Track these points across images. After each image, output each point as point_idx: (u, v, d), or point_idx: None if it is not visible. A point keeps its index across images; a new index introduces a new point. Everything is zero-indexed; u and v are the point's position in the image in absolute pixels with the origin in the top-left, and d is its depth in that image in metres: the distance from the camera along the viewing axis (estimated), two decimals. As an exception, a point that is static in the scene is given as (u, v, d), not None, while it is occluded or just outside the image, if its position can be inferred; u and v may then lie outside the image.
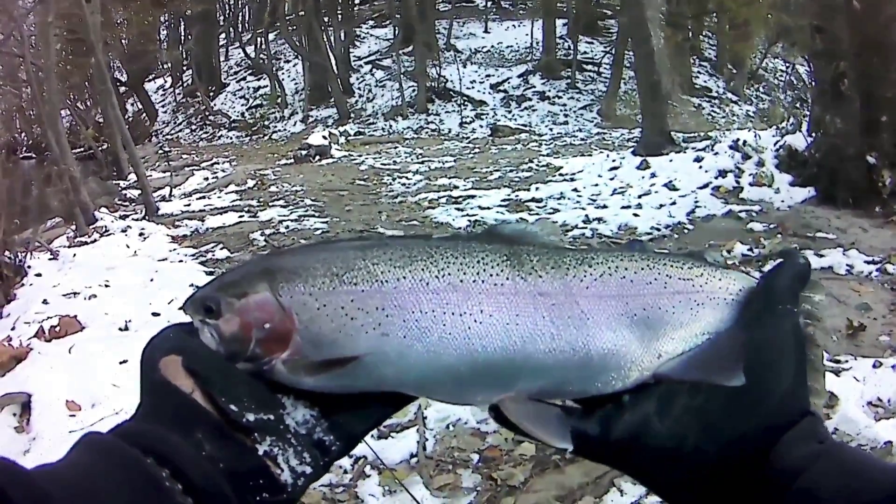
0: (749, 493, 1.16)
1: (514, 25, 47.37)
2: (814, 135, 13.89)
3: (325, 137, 28.51)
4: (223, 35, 52.96)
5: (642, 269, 1.38)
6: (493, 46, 45.73)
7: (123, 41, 40.62)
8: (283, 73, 46.87)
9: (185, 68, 49.29)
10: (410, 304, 1.28)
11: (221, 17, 53.46)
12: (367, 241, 1.43)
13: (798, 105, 16.11)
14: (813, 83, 14.87)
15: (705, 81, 41.28)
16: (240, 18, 56.39)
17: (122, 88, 43.25)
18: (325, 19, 42.71)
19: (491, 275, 1.32)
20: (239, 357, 1.28)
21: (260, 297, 1.29)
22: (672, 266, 1.40)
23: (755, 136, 15.62)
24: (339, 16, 46.52)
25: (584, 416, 1.30)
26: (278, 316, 1.28)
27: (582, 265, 1.36)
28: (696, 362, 1.30)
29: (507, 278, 1.32)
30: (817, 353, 1.32)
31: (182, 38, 51.35)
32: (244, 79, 49.15)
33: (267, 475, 1.15)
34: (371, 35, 49.48)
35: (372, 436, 6.85)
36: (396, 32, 43.71)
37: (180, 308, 1.36)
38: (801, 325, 1.29)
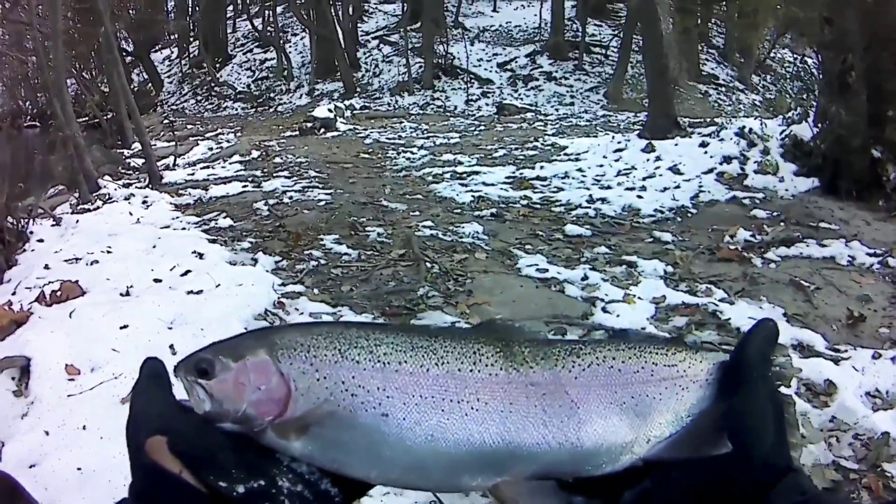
0: None
1: (522, 5, 47.33)
2: (819, 125, 13.88)
3: (330, 111, 28.46)
4: (231, 7, 52.85)
5: (629, 358, 1.42)
6: (501, 25, 45.69)
7: (131, 11, 40.59)
8: (290, 46, 46.81)
9: (191, 39, 49.21)
10: (412, 388, 1.31)
11: (230, -11, 53.37)
12: (368, 324, 1.47)
13: (805, 95, 16.10)
14: (820, 74, 14.85)
15: (713, 69, 41.30)
16: (248, -10, 56.30)
17: (129, 58, 43.22)
18: (334, -7, 42.63)
19: (486, 365, 1.36)
20: (227, 418, 1.30)
21: (259, 360, 1.32)
22: (657, 354, 1.44)
23: (761, 125, 15.59)
24: (348, -10, 46.43)
25: (589, 494, 1.34)
26: (275, 380, 1.30)
27: (570, 356, 1.40)
28: (683, 442, 1.35)
29: (501, 369, 1.35)
30: (790, 411, 1.39)
31: (190, 8, 51.30)
32: (251, 51, 49.07)
33: None
34: (379, 10, 49.43)
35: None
36: (405, 8, 43.62)
37: (174, 370, 1.36)
38: (776, 388, 1.38)
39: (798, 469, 1.29)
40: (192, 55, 48.67)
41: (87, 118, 25.07)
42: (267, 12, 47.94)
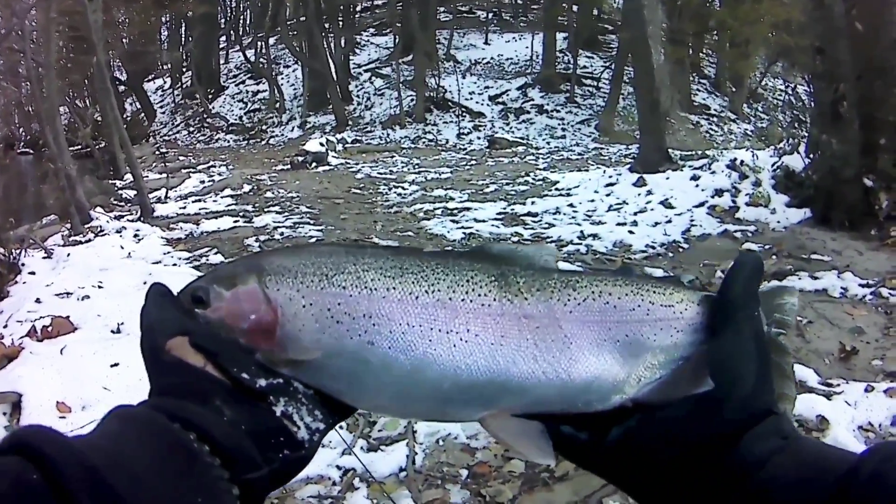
0: (716, 488, 1.21)
1: (514, 38, 47.49)
2: (811, 156, 13.92)
3: (322, 144, 28.38)
4: (224, 38, 53.01)
5: (626, 294, 1.38)
6: (492, 58, 45.83)
7: (124, 40, 40.65)
8: (282, 79, 46.92)
9: (184, 70, 49.33)
10: (399, 316, 1.28)
11: (223, 20, 53.53)
12: (359, 248, 1.44)
13: (796, 125, 16.07)
14: (812, 104, 14.89)
15: (704, 99, 41.42)
16: (241, 22, 56.43)
17: (122, 88, 43.29)
18: (326, 25, 42.75)
19: (479, 294, 1.32)
20: None
21: (248, 288, 1.30)
22: (655, 293, 1.40)
23: (752, 156, 15.66)
24: (340, 22, 46.54)
25: (576, 427, 1.33)
26: (263, 308, 1.28)
27: (566, 289, 1.36)
28: (671, 384, 1.32)
29: (495, 299, 1.32)
30: (787, 361, 1.39)
31: (183, 39, 51.48)
32: (243, 82, 49.19)
33: (285, 433, 1.21)
34: (371, 43, 49.57)
35: (361, 448, 6.86)
36: (397, 41, 43.75)
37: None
38: (761, 329, 1.33)
39: (781, 413, 1.28)
40: (184, 86, 48.78)
41: (79, 148, 25.00)
42: (259, 44, 48.09)
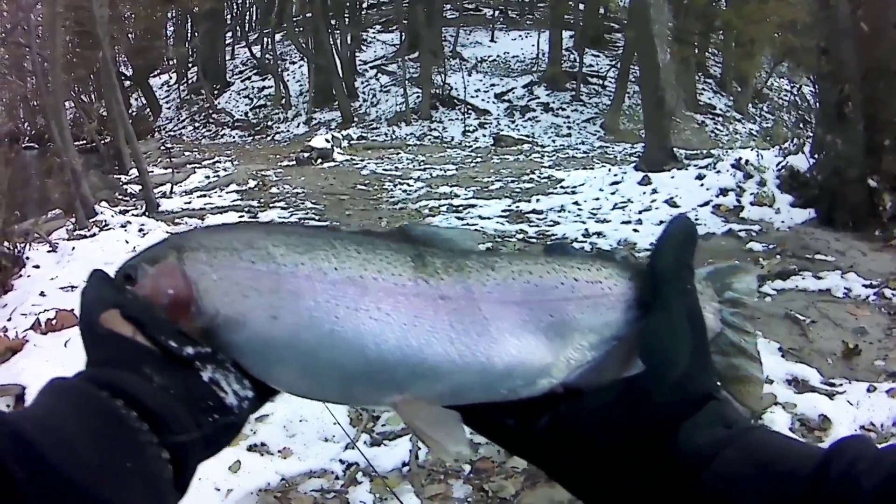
0: (659, 484, 1.13)
1: (520, 36, 47.47)
2: (816, 156, 13.87)
3: (327, 140, 28.50)
4: (230, 34, 53.00)
5: (548, 272, 1.31)
6: (498, 56, 45.82)
7: (130, 36, 40.71)
8: (288, 75, 46.92)
9: (190, 65, 49.35)
10: (304, 292, 1.24)
11: (229, 16, 53.52)
12: (275, 225, 1.52)
13: (801, 126, 16.04)
14: (817, 104, 14.88)
15: (709, 98, 41.47)
16: (247, 18, 56.42)
17: (127, 83, 43.32)
18: (332, 22, 42.74)
19: (392, 274, 1.27)
20: None
21: (168, 263, 1.26)
22: (579, 269, 1.33)
23: (757, 156, 15.60)
24: (346, 19, 46.56)
25: (503, 413, 1.25)
26: (181, 283, 1.25)
27: (485, 269, 1.30)
28: (603, 366, 1.24)
29: (409, 279, 1.26)
30: (750, 340, 1.36)
31: (189, 35, 51.45)
32: (249, 78, 49.19)
33: (214, 398, 1.19)
34: (377, 40, 49.54)
35: (365, 443, 6.86)
36: (403, 38, 43.73)
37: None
38: (696, 304, 1.25)
39: (723, 398, 1.19)
40: (190, 81, 48.80)
41: (84, 142, 25.07)
42: (265, 40, 48.07)
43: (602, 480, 1.19)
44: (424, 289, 1.25)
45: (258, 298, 1.23)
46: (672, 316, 1.21)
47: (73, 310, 9.26)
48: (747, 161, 15.43)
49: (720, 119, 39.50)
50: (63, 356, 7.88)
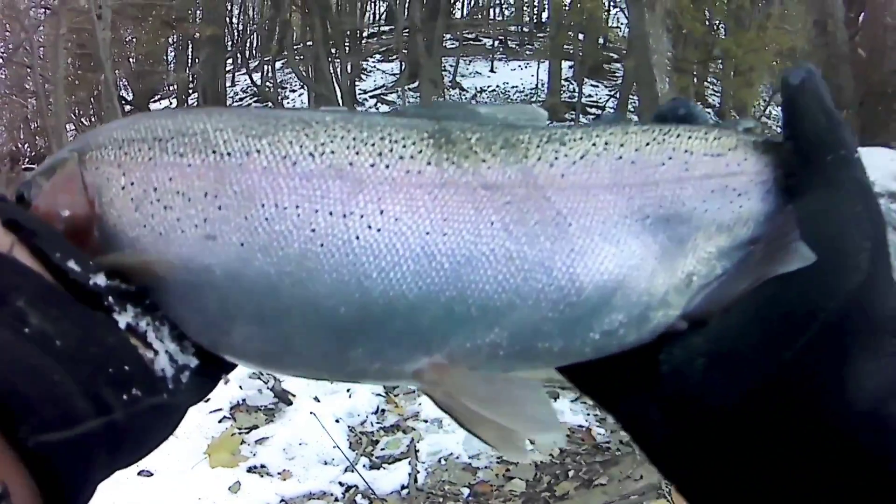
0: (816, 454, 0.76)
1: (520, 66, 47.61)
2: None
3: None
4: (230, 60, 53.12)
5: (647, 144, 0.90)
6: (498, 86, 45.87)
7: (131, 60, 40.83)
8: (288, 103, 46.91)
9: (190, 91, 49.37)
10: (260, 192, 0.84)
11: (230, 43, 53.63)
12: (227, 108, 1.05)
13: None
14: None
15: (709, 128, 41.55)
16: (248, 45, 56.56)
17: (128, 107, 43.35)
18: (333, 51, 42.84)
19: (402, 157, 0.86)
20: None
21: (66, 171, 0.92)
22: (691, 138, 0.92)
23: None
24: (347, 48, 46.64)
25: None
26: (79, 197, 0.90)
27: (551, 143, 0.88)
28: (736, 285, 0.84)
29: (429, 163, 0.86)
30: None
31: (189, 60, 51.55)
32: (249, 105, 49.21)
33: (132, 358, 0.80)
34: (377, 69, 49.64)
35: (364, 466, 6.87)
36: (403, 67, 43.83)
37: None
38: (866, 178, 0.84)
39: None
40: (191, 107, 48.79)
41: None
42: (266, 67, 48.17)
43: (731, 457, 0.80)
44: (456, 176, 0.85)
45: (185, 209, 0.85)
46: (842, 194, 0.83)
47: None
48: (747, 190, 15.51)
49: (720, 149, 39.45)
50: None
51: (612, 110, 39.45)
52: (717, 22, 39.26)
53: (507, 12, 54.48)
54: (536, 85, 43.99)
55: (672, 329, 0.85)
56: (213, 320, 0.85)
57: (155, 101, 50.24)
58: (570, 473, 6.71)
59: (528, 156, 0.86)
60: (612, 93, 41.96)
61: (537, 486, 6.51)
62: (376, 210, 0.83)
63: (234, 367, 0.93)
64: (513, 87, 45.77)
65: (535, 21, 53.02)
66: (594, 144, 0.88)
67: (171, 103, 51.07)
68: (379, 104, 44.48)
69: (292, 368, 0.91)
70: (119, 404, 0.77)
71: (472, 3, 54.69)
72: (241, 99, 50.72)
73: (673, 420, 0.82)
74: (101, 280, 0.82)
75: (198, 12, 46.02)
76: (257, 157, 0.85)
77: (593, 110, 41.53)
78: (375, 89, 46.92)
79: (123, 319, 0.82)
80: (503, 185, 0.84)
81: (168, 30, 42.48)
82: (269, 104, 45.81)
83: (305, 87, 43.84)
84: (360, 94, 45.90)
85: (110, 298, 0.82)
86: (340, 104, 39.61)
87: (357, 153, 0.85)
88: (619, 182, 0.86)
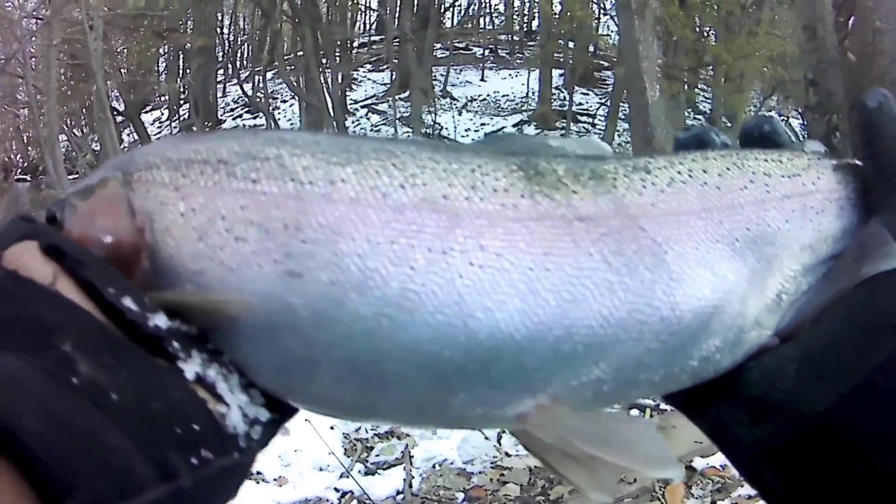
0: None
1: (510, 74, 47.53)
2: (807, 188, 14.04)
3: (319, 179, 28.24)
4: (221, 71, 53.03)
5: (728, 169, 0.92)
6: (489, 95, 45.78)
7: (123, 70, 40.72)
8: (279, 113, 46.78)
9: (182, 102, 49.26)
10: (349, 226, 0.77)
11: (221, 53, 53.53)
12: (294, 131, 1.00)
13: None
14: (805, 136, 15.01)
15: (700, 135, 41.49)
16: (238, 55, 56.47)
17: (119, 118, 43.26)
18: (324, 61, 42.80)
19: (495, 189, 0.81)
20: None
21: (107, 193, 0.82)
22: (769, 161, 0.95)
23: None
24: (338, 58, 46.55)
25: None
26: (124, 222, 0.80)
27: (637, 172, 0.88)
28: (820, 299, 0.87)
29: (523, 195, 0.81)
30: None
31: (181, 71, 51.43)
32: (240, 116, 49.01)
33: (203, 415, 0.71)
34: (368, 79, 49.51)
35: (359, 472, 6.88)
36: (393, 77, 43.78)
37: None
38: None
39: None
40: (182, 118, 48.68)
41: (77, 176, 25.07)
42: (257, 78, 48.08)
43: (821, 462, 0.79)
44: (551, 208, 0.81)
45: (264, 241, 0.76)
46: None
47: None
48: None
49: (710, 156, 39.42)
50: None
51: (602, 118, 39.43)
52: (708, 28, 39.27)
53: (497, 21, 54.45)
54: (527, 93, 43.97)
55: (764, 347, 0.86)
56: (293, 366, 0.77)
57: (146, 112, 50.19)
58: (564, 477, 6.73)
59: (617, 186, 0.85)
60: (603, 100, 41.92)
61: (531, 491, 6.53)
62: (476, 246, 0.77)
63: (296, 412, 0.85)
64: (503, 95, 45.72)
65: (525, 30, 52.97)
66: (679, 172, 0.89)
67: (162, 114, 51.03)
68: (370, 114, 44.44)
69: (384, 417, 0.86)
70: (187, 469, 0.66)
71: (463, 12, 54.57)
72: (231, 109, 50.65)
73: (762, 425, 0.82)
74: (161, 321, 0.72)
75: (189, 23, 45.88)
76: (343, 187, 0.78)
77: (584, 118, 41.56)
78: (366, 99, 46.83)
79: (191, 368, 0.73)
80: (597, 216, 0.82)
81: (159, 40, 42.32)
82: (261, 115, 45.83)
83: (296, 98, 43.80)
84: (350, 104, 45.81)
85: (174, 343, 0.72)
86: (331, 114, 39.61)
87: (450, 185, 0.80)
88: (707, 207, 0.87)
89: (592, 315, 0.77)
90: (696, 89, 44.59)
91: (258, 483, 6.66)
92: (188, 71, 48.65)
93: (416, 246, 0.75)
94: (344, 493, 6.66)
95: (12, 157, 31.47)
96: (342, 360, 0.75)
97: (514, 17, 53.70)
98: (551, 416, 0.78)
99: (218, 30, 50.64)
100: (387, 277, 0.74)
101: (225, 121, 49.06)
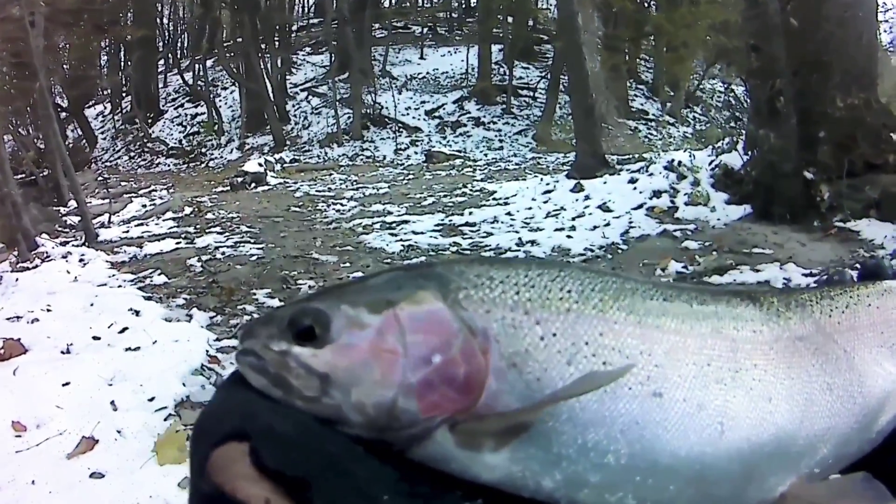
0: None
1: (449, 52, 47.54)
2: (749, 153, 14.22)
3: (260, 165, 28.42)
4: (162, 62, 52.72)
5: (882, 294, 1.18)
6: (428, 73, 45.86)
7: (65, 66, 40.39)
8: (220, 101, 46.65)
9: (124, 94, 48.94)
10: (681, 353, 0.91)
11: (161, 44, 53.22)
12: (540, 262, 1.01)
13: (734, 124, 16.23)
14: (748, 102, 15.12)
15: (642, 104, 41.89)
16: (178, 45, 56.16)
17: (63, 114, 42.95)
18: (263, 46, 42.64)
19: (746, 320, 1.00)
20: (352, 417, 0.80)
21: (424, 308, 0.84)
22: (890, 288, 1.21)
23: (690, 157, 16.00)
24: (277, 43, 46.41)
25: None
26: (459, 341, 0.82)
27: (824, 300, 1.11)
28: None
29: (762, 324, 1.01)
30: None
31: (122, 64, 51.08)
32: (182, 105, 48.85)
33: None
34: (307, 62, 49.39)
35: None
36: (333, 59, 43.66)
37: (240, 338, 0.86)
38: None
39: None
40: (124, 111, 48.39)
41: (23, 175, 24.93)
42: (197, 66, 47.85)
43: None
44: (780, 332, 1.02)
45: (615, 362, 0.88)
46: None
47: (19, 339, 9.39)
48: (680, 163, 15.76)
49: (653, 124, 40.01)
50: (12, 384, 7.90)
51: (543, 92, 39.44)
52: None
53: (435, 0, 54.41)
54: (467, 70, 43.94)
55: None
56: (646, 483, 0.86)
57: (89, 107, 49.82)
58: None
59: (815, 311, 1.09)
60: (543, 74, 42.01)
61: None
62: (751, 363, 0.96)
63: None
64: (443, 72, 45.72)
65: (463, 6, 52.95)
66: (851, 297, 1.14)
67: (104, 108, 50.62)
68: (310, 97, 44.29)
69: None
70: None
71: (401, -8, 54.62)
72: (173, 99, 50.40)
73: None
74: None
75: (129, 15, 45.60)
76: (668, 322, 0.93)
77: (525, 92, 41.58)
78: (306, 82, 46.74)
79: None
80: (808, 335, 1.04)
81: (100, 34, 42.08)
82: (202, 103, 45.55)
83: (237, 84, 43.63)
84: (290, 87, 45.73)
85: None
86: (272, 99, 39.52)
87: (719, 318, 0.99)
88: (872, 323, 1.13)
89: (820, 411, 1.00)
90: (638, 59, 44.85)
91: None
92: (129, 63, 48.32)
93: (721, 367, 0.94)
94: None
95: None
96: (689, 463, 0.88)
97: (452, -6, 53.62)
98: (810, 486, 0.97)
99: (158, 20, 50.44)
100: (714, 394, 0.91)
101: (167, 110, 48.86)
